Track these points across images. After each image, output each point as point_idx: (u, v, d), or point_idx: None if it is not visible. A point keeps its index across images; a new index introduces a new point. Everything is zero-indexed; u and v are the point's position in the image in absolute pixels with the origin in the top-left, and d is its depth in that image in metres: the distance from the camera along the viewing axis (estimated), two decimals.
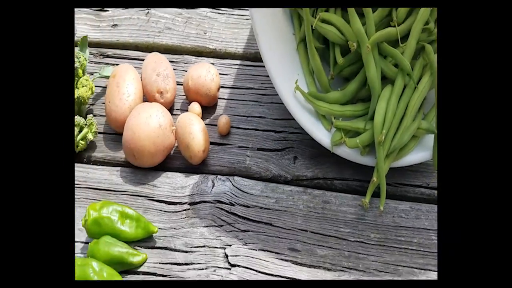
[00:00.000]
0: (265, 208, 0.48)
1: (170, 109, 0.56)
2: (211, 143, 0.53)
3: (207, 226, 0.47)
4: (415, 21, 0.46)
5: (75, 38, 0.58)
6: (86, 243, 0.46)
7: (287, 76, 0.49)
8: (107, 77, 0.58)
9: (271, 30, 0.48)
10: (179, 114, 0.56)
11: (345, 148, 0.48)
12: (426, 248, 0.45)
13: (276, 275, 0.43)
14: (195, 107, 0.54)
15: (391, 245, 0.45)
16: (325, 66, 0.51)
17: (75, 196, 0.50)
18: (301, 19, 0.50)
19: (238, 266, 0.44)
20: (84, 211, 0.48)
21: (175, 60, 0.61)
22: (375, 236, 0.46)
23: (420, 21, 0.46)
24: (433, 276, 0.43)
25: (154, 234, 0.46)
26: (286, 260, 0.44)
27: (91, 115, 0.54)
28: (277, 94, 0.57)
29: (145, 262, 0.45)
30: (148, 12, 0.65)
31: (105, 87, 0.59)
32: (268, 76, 0.59)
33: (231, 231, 0.47)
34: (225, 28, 0.64)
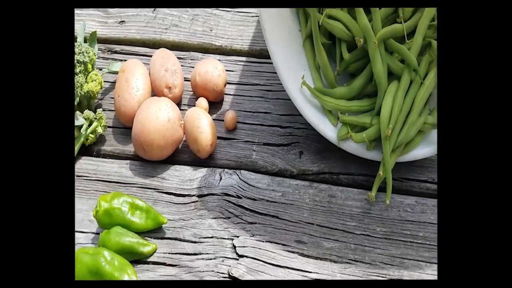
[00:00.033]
0: (271, 201, 0.49)
1: (178, 104, 0.57)
2: (218, 137, 0.54)
3: (215, 218, 0.48)
4: (421, 18, 0.47)
5: (84, 34, 0.59)
6: (97, 233, 0.47)
7: (294, 71, 0.50)
8: (116, 73, 0.59)
9: (278, 26, 0.49)
10: (186, 110, 0.56)
11: (351, 143, 0.48)
12: (432, 242, 0.45)
13: (283, 266, 0.44)
14: (203, 102, 0.55)
15: (397, 238, 0.46)
16: (331, 62, 0.51)
17: (85, 188, 0.51)
18: (307, 16, 0.51)
19: (246, 256, 0.45)
20: (94, 203, 0.49)
21: (181, 57, 0.61)
22: (381, 230, 0.46)
23: (426, 18, 0.47)
24: None
25: (163, 225, 0.47)
26: (293, 252, 0.45)
27: (101, 109, 0.54)
28: (283, 90, 0.58)
29: (155, 252, 0.45)
30: (154, 9, 0.66)
31: (114, 82, 0.60)
32: (273, 72, 0.60)
33: (239, 223, 0.47)
34: (231, 26, 0.64)
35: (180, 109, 0.57)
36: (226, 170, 0.51)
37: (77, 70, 0.54)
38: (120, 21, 0.66)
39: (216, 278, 0.44)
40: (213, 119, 0.55)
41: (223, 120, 0.55)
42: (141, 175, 0.52)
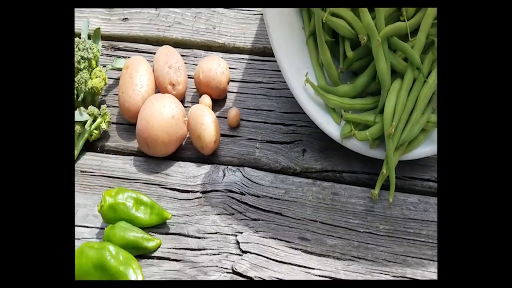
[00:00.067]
0: (275, 198, 0.49)
1: (181, 101, 0.57)
2: (221, 135, 0.54)
3: (218, 214, 0.48)
4: (424, 16, 0.47)
5: (88, 31, 0.59)
6: (102, 228, 0.47)
7: (297, 69, 0.50)
8: (119, 69, 0.59)
9: (282, 23, 0.49)
10: (190, 107, 0.56)
11: (354, 141, 0.49)
12: (435, 240, 0.45)
13: (286, 263, 0.44)
14: (206, 99, 0.55)
15: (400, 236, 0.46)
16: (334, 61, 0.51)
17: (90, 184, 0.51)
18: (310, 13, 0.51)
19: (250, 252, 0.45)
20: (98, 198, 0.49)
21: (185, 54, 0.61)
22: (384, 228, 0.46)
23: (429, 16, 0.47)
24: None
25: (167, 221, 0.47)
26: (296, 249, 0.45)
27: (105, 105, 0.55)
28: (286, 88, 0.58)
29: (159, 247, 0.45)
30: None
31: (117, 79, 0.60)
32: (276, 70, 0.61)
33: (242, 219, 0.47)
34: (233, 23, 0.64)
35: (184, 106, 0.57)
36: (229, 167, 0.51)
37: (81, 66, 0.54)
38: (124, 18, 0.66)
39: (220, 273, 0.44)
40: (216, 117, 0.55)
41: (226, 118, 0.56)
42: (145, 171, 0.52)
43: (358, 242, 0.45)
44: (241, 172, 0.51)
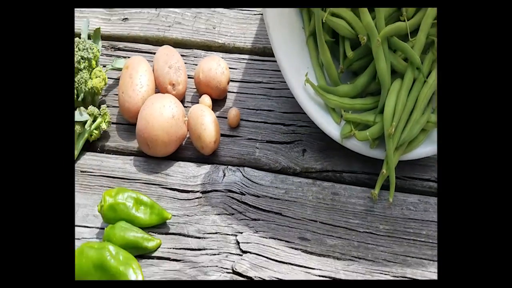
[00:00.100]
0: (275, 198, 0.49)
1: (181, 101, 0.57)
2: (221, 135, 0.54)
3: (218, 214, 0.48)
4: (424, 16, 0.47)
5: (88, 32, 0.59)
6: (102, 228, 0.47)
7: (297, 69, 0.50)
8: (119, 69, 0.59)
9: (282, 23, 0.49)
10: (190, 107, 0.56)
11: (354, 141, 0.49)
12: (435, 240, 0.45)
13: (286, 263, 0.44)
14: (206, 99, 0.55)
15: (400, 236, 0.46)
16: (334, 61, 0.51)
17: (90, 184, 0.51)
18: (310, 13, 0.51)
19: (250, 252, 0.45)
20: (98, 198, 0.49)
21: (185, 54, 0.61)
22: (384, 228, 0.46)
23: (429, 16, 0.47)
24: None
25: (167, 221, 0.47)
26: (296, 249, 0.45)
27: (105, 105, 0.55)
28: (286, 88, 0.58)
29: (159, 247, 0.45)
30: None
31: (117, 79, 0.60)
32: (276, 70, 0.61)
33: (242, 219, 0.47)
34: (233, 23, 0.64)
35: (184, 106, 0.57)
36: (229, 167, 0.51)
37: (81, 66, 0.54)
38: (123, 19, 0.66)
39: (220, 273, 0.44)
40: (216, 117, 0.55)
41: (226, 118, 0.56)
42: (145, 171, 0.52)
43: (358, 242, 0.45)
44: (241, 172, 0.51)
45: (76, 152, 0.52)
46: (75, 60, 0.53)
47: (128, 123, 0.56)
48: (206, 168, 0.51)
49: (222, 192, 0.49)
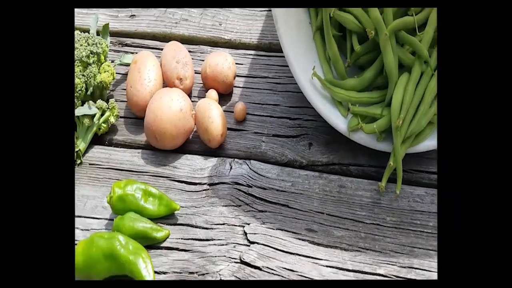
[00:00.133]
0: (281, 191, 0.49)
1: (188, 96, 0.57)
2: (228, 128, 0.54)
3: (226, 206, 0.48)
4: (432, 10, 0.47)
5: (97, 27, 0.60)
6: (111, 219, 0.48)
7: (304, 63, 0.50)
8: (127, 64, 0.59)
9: (290, 18, 0.50)
10: (196, 101, 0.57)
11: (361, 134, 0.49)
12: None
13: (294, 253, 0.44)
14: (213, 94, 0.56)
15: (407, 228, 0.46)
16: (341, 55, 0.52)
17: (98, 176, 0.51)
18: (317, 9, 0.51)
19: (257, 243, 0.45)
20: (107, 190, 0.50)
21: (191, 50, 0.62)
22: (391, 219, 0.46)
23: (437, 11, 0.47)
24: None
25: (175, 212, 0.47)
26: (303, 240, 0.45)
27: (113, 99, 0.55)
28: (292, 83, 0.59)
29: (167, 237, 0.46)
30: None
31: (125, 74, 0.60)
32: (282, 65, 0.61)
33: (249, 211, 0.48)
34: (239, 20, 0.65)
35: (191, 101, 0.57)
36: (236, 160, 0.52)
37: (91, 60, 0.54)
38: (131, 15, 0.67)
39: (228, 263, 0.44)
40: (223, 111, 0.55)
41: (232, 112, 0.56)
42: (153, 163, 0.52)
43: (365, 233, 0.46)
44: (247, 165, 0.51)
45: (85, 145, 0.53)
46: (85, 54, 0.54)
47: (135, 117, 0.56)
48: (213, 161, 0.52)
49: (229, 185, 0.50)
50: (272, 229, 0.46)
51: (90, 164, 0.52)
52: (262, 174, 0.51)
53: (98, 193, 0.50)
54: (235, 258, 0.44)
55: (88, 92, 0.54)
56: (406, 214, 0.47)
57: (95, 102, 0.54)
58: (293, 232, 0.46)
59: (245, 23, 0.64)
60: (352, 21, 0.49)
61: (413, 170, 0.50)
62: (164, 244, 0.45)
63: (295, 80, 0.50)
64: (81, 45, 0.55)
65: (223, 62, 0.56)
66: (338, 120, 0.49)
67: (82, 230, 0.47)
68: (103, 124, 0.54)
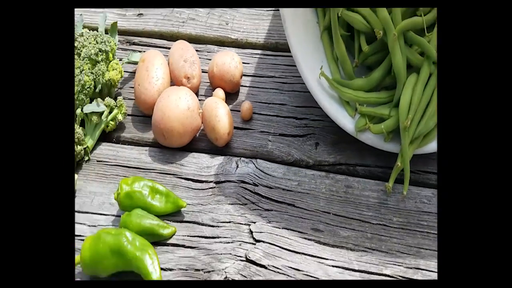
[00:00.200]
0: (287, 190, 0.49)
1: (195, 94, 0.57)
2: (234, 127, 0.55)
3: (232, 204, 0.48)
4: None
5: (105, 26, 0.60)
6: (117, 216, 0.48)
7: (312, 62, 0.50)
8: (135, 63, 0.60)
9: (297, 17, 0.50)
10: (203, 100, 0.57)
11: (368, 134, 0.49)
12: None
13: (300, 252, 0.44)
14: (219, 93, 0.56)
15: (414, 229, 0.46)
16: (348, 55, 0.52)
17: (106, 173, 0.52)
18: (325, 8, 0.51)
19: (263, 241, 0.45)
20: (114, 187, 0.50)
21: (198, 49, 0.62)
22: (398, 220, 0.46)
23: None
24: None
25: (182, 209, 0.47)
26: (309, 239, 0.45)
27: (121, 97, 0.56)
28: (298, 83, 0.59)
29: (174, 234, 0.46)
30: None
31: (132, 73, 0.61)
32: (289, 65, 0.61)
33: (255, 209, 0.48)
34: (246, 19, 0.65)
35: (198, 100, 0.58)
36: (242, 158, 0.52)
37: (99, 58, 0.55)
38: (138, 14, 0.67)
39: (233, 261, 0.44)
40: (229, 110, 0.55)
41: (239, 111, 0.56)
42: (160, 161, 0.52)
43: (371, 233, 0.45)
44: (254, 164, 0.51)
45: (93, 142, 0.53)
46: (93, 52, 0.54)
47: (143, 115, 0.57)
48: (219, 159, 0.52)
49: (235, 183, 0.50)
50: (278, 228, 0.46)
51: (97, 161, 0.53)
52: (268, 173, 0.51)
53: (105, 189, 0.50)
54: (240, 256, 0.44)
55: (97, 90, 0.55)
56: (412, 215, 0.47)
57: (103, 99, 0.54)
58: (299, 232, 0.46)
59: (251, 23, 0.65)
60: (360, 21, 0.49)
61: (420, 171, 0.50)
62: (170, 241, 0.46)
63: (302, 80, 0.50)
64: (89, 43, 0.55)
65: (230, 61, 0.56)
66: (345, 120, 0.49)
67: (89, 226, 0.48)
68: (111, 122, 0.54)
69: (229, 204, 0.48)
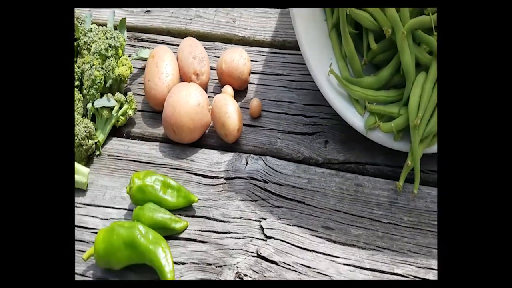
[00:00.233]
0: (297, 187, 0.49)
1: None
2: (243, 124, 0.54)
3: (242, 200, 0.48)
4: None
5: (114, 22, 0.60)
6: (129, 210, 0.48)
7: (321, 60, 0.50)
8: (144, 59, 0.60)
9: (307, 15, 0.50)
10: (212, 97, 0.57)
11: (378, 132, 0.49)
12: None
13: (310, 250, 0.44)
14: (228, 89, 0.56)
15: (425, 228, 0.46)
16: (357, 53, 0.52)
17: (117, 167, 0.52)
18: None
19: (274, 238, 0.45)
20: (125, 181, 0.50)
21: (206, 47, 0.62)
22: (408, 219, 0.46)
23: None
24: None
25: (193, 204, 0.47)
26: (320, 237, 0.45)
27: (131, 92, 0.55)
28: (306, 81, 0.59)
29: (186, 228, 0.46)
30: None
31: (141, 68, 0.61)
32: (296, 63, 0.61)
33: (265, 206, 0.48)
34: (253, 17, 0.65)
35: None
36: (252, 155, 0.52)
37: (109, 54, 0.55)
38: (146, 11, 0.67)
39: (245, 256, 0.44)
40: None
41: (247, 108, 0.56)
42: (171, 156, 0.52)
43: (382, 232, 0.45)
44: (263, 161, 0.51)
45: (103, 137, 0.53)
46: (103, 47, 0.54)
47: (153, 111, 0.56)
48: (229, 155, 0.52)
49: (245, 179, 0.50)
50: (289, 225, 0.46)
51: (108, 156, 0.52)
52: (278, 170, 0.50)
53: (117, 183, 0.50)
54: (252, 252, 0.44)
55: (107, 85, 0.55)
56: (423, 214, 0.47)
57: (113, 95, 0.54)
58: (309, 229, 0.46)
59: (259, 21, 0.65)
60: (369, 19, 0.49)
61: (430, 170, 0.50)
62: (182, 235, 0.46)
63: (310, 78, 0.50)
64: (99, 38, 0.55)
65: (238, 59, 0.56)
66: (355, 118, 0.49)
67: (101, 219, 0.47)
68: (121, 117, 0.54)
69: (239, 200, 0.48)
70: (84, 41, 0.55)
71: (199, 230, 0.46)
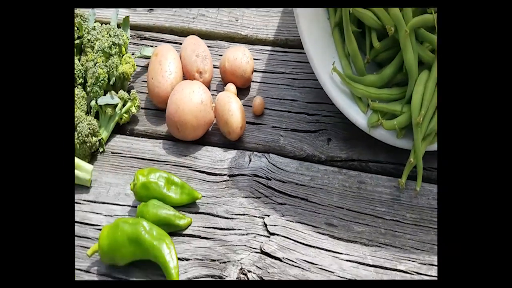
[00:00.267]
0: (300, 185, 0.49)
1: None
2: (246, 122, 0.55)
3: (246, 197, 0.48)
4: None
5: (117, 21, 0.60)
6: (133, 206, 0.48)
7: (324, 58, 0.51)
8: (147, 57, 0.60)
9: (310, 13, 0.50)
10: (215, 95, 0.57)
11: (381, 130, 0.49)
12: None
13: (314, 246, 0.44)
14: (231, 87, 0.56)
15: (427, 225, 0.46)
16: (360, 51, 0.52)
17: (121, 164, 0.52)
18: None
19: (277, 235, 0.45)
20: (129, 178, 0.50)
21: (209, 45, 0.62)
22: (411, 216, 0.46)
23: None
24: None
25: (197, 201, 0.47)
26: (323, 234, 0.45)
27: (134, 90, 0.56)
28: (309, 79, 0.59)
29: (190, 225, 0.46)
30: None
31: (145, 66, 0.61)
32: (299, 61, 0.61)
33: (269, 203, 0.48)
34: (256, 16, 0.65)
35: None
36: (255, 153, 0.52)
37: (113, 51, 0.55)
38: (149, 9, 0.67)
39: (249, 253, 0.44)
40: None
41: (250, 106, 0.56)
42: (174, 153, 0.52)
43: (385, 229, 0.46)
44: (266, 158, 0.51)
45: (107, 134, 0.53)
46: (107, 45, 0.54)
47: (156, 108, 0.57)
48: (232, 153, 0.52)
49: (249, 177, 0.50)
50: (292, 221, 0.46)
51: (112, 153, 0.53)
52: (281, 167, 0.51)
53: (120, 180, 0.50)
54: (255, 248, 0.44)
55: (111, 83, 0.55)
56: (426, 211, 0.47)
57: (116, 92, 0.54)
58: (313, 226, 0.46)
59: (261, 19, 0.65)
60: (372, 18, 0.49)
61: (432, 168, 0.50)
62: (186, 232, 0.46)
63: (312, 76, 0.50)
64: (103, 36, 0.55)
65: (241, 57, 0.56)
66: (358, 116, 0.49)
67: (105, 216, 0.48)
68: (124, 114, 0.54)
69: (242, 197, 0.48)
70: (88, 39, 0.55)
71: (203, 227, 0.46)
